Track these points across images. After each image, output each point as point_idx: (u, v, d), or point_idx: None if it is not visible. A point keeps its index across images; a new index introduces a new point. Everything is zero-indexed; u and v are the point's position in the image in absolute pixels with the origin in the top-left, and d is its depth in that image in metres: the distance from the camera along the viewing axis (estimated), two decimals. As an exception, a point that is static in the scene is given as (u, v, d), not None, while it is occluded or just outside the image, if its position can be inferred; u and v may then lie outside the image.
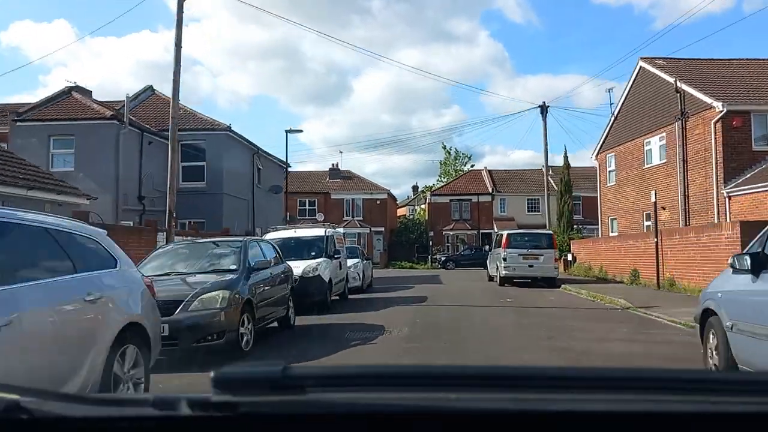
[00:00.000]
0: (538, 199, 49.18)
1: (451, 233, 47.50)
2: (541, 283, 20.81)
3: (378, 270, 41.03)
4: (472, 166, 61.03)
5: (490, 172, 51.75)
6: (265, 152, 27.82)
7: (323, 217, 49.28)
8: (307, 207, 48.64)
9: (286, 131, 27.32)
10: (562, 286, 20.21)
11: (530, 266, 20.47)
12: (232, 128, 23.66)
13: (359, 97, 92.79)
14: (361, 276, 18.86)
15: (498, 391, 1.09)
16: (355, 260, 19.45)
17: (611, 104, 29.52)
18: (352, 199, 48.31)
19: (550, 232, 22.53)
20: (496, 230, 49.53)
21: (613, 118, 27.84)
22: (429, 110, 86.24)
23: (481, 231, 48.19)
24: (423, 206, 63.24)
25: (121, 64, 79.43)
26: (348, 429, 1.03)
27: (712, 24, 72.46)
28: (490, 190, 48.49)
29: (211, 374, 1.04)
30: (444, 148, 68.98)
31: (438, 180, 61.19)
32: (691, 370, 2.09)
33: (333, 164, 51.01)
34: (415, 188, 74.76)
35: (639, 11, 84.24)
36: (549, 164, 55.40)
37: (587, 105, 68.45)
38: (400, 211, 63.08)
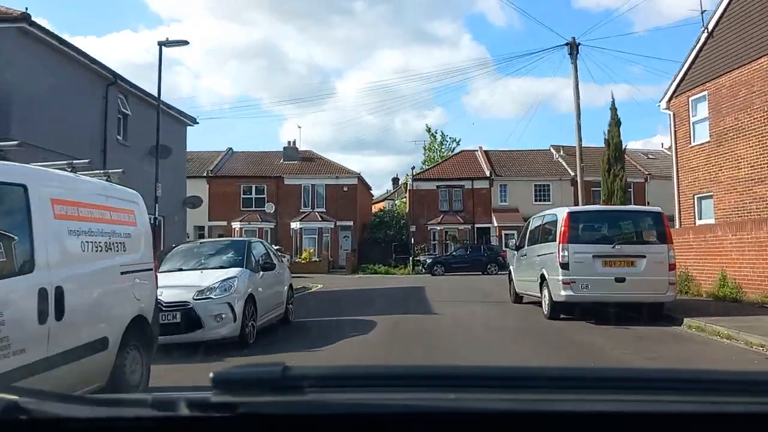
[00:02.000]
0: (549, 185, 38.05)
1: (439, 228, 36.01)
2: (631, 313, 9.26)
3: (340, 278, 29.48)
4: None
5: (486, 152, 40.45)
6: (140, 90, 15.90)
7: (273, 208, 37.30)
8: (253, 195, 37.01)
9: (160, 44, 15.31)
10: (686, 321, 8.48)
11: (619, 281, 8.71)
12: (34, 21, 11.64)
13: (342, 98, 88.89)
14: (236, 312, 6.84)
15: (498, 391, 1.10)
16: (232, 272, 7.38)
17: (702, 12, 17.04)
18: (312, 186, 36.82)
19: (657, 209, 10.61)
20: (495, 224, 37.79)
21: (704, 35, 16.06)
22: (412, 111, 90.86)
23: (476, 225, 36.90)
24: (404, 199, 51.76)
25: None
26: (347, 429, 1.04)
27: (689, 27, 71.05)
28: (488, 173, 37.13)
29: (211, 374, 1.04)
30: (428, 130, 57.81)
31: (422, 167, 49.54)
32: (691, 370, 1.79)
33: (289, 141, 39.52)
34: (395, 181, 63.30)
35: (618, 15, 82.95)
36: (558, 145, 44.28)
37: (566, 109, 63.92)
38: (378, 207, 51.43)
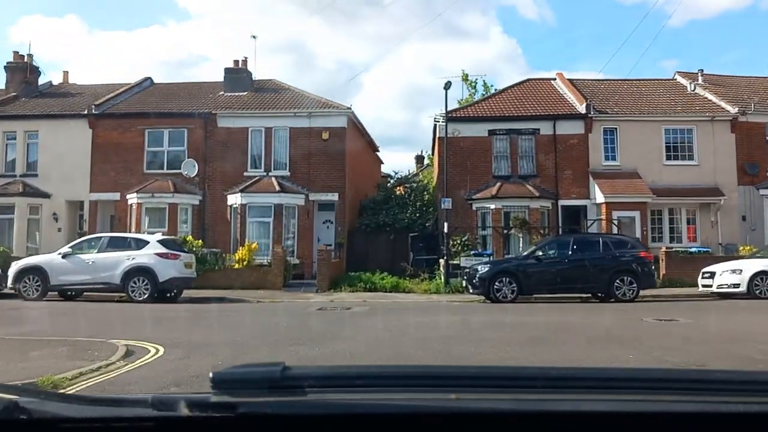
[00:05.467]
0: (691, 129, 20.29)
1: (493, 206, 18.61)
2: None
3: (285, 309, 13.34)
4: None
5: (572, 81, 22.63)
6: None
7: (196, 170, 19.79)
8: (165, 146, 20.87)
9: None
10: None
11: None
12: None
13: (369, 93, 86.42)
14: None
15: (498, 391, 1.12)
16: None
17: None
18: (266, 131, 20.17)
19: None
20: (597, 199, 19.40)
21: None
22: (440, 107, 78.21)
23: (561, 202, 19.13)
24: (432, 169, 35.66)
25: (132, 59, 78.00)
26: (347, 429, 1.05)
27: (727, 20, 68.94)
28: (582, 109, 19.27)
29: (210, 374, 1.06)
30: (465, 78, 40.71)
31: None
32: (691, 370, 2.14)
33: (236, 61, 22.41)
34: (419, 159, 46.46)
35: (655, 8, 77.60)
36: (688, 72, 26.77)
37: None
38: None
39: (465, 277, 15.70)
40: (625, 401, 1.07)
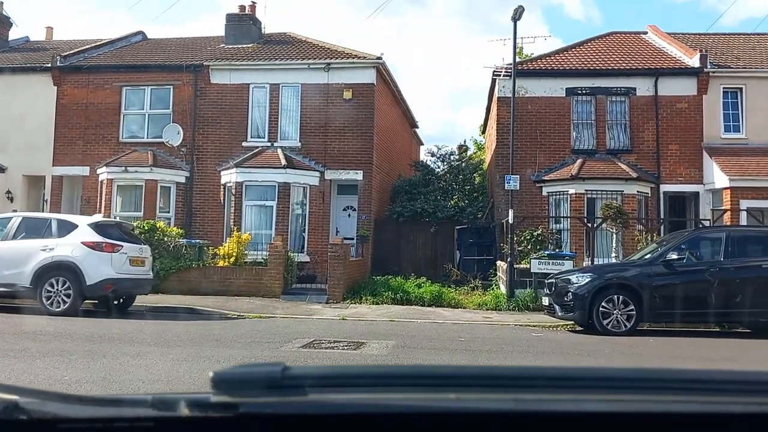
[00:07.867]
0: None
1: (573, 191, 12.52)
2: None
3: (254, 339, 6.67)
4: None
5: (673, 36, 16.61)
6: None
7: (180, 138, 14.08)
8: (146, 109, 15.85)
9: None
10: None
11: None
12: None
13: (406, 90, 72.78)
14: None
15: (498, 391, 1.13)
16: None
17: None
18: (272, 88, 14.91)
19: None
20: (718, 183, 12.35)
21: None
22: (477, 106, 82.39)
23: (663, 187, 12.73)
24: (483, 138, 30.42)
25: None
26: (348, 429, 1.05)
27: None
28: (693, 63, 13.04)
29: (210, 374, 1.06)
30: (520, 53, 33.46)
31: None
32: (691, 370, 1.73)
33: (241, 7, 17.23)
34: (462, 149, 40.03)
35: (706, 6, 76.11)
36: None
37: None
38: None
39: (549, 291, 10.18)
40: (625, 401, 1.06)
